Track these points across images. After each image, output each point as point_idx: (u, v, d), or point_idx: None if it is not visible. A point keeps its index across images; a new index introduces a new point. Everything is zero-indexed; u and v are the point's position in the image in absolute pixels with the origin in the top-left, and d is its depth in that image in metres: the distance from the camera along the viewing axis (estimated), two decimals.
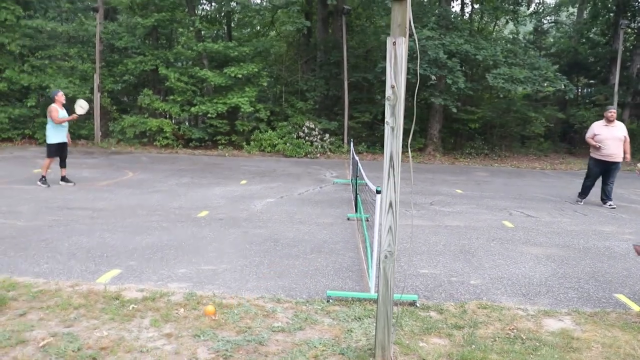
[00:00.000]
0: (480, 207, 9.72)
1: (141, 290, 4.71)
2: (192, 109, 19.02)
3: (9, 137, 19.26)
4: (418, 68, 3.75)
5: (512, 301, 4.80)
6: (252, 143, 19.15)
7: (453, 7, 21.93)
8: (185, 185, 11.27)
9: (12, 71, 19.34)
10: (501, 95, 22.34)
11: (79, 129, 19.74)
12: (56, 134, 10.48)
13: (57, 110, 10.35)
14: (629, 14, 23.73)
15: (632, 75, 23.04)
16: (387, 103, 3.25)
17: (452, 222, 8.29)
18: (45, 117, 10.60)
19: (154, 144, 19.19)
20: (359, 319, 4.23)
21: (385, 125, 3.29)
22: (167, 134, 19.14)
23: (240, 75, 18.69)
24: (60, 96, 10.53)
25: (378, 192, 4.32)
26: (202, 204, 9.16)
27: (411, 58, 16.42)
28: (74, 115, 10.56)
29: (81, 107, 10.63)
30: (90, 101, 17.77)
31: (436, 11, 19.47)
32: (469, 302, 4.67)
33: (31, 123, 19.54)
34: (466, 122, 20.76)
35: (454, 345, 3.77)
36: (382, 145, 3.35)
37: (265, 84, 19.71)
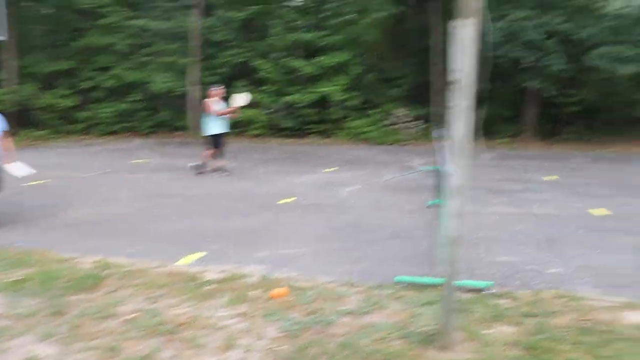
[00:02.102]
0: (574, 194, 9.26)
1: (221, 272, 4.96)
2: (284, 99, 19.40)
3: (115, 130, 20.56)
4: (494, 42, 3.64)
5: (595, 292, 4.59)
6: (342, 131, 19.27)
7: None
8: (273, 173, 11.59)
9: (119, 68, 20.61)
10: (605, 77, 20.91)
11: (176, 121, 20.71)
12: (212, 126, 11.04)
13: (210, 104, 10.96)
14: None
15: None
16: (452, 87, 3.23)
17: (541, 210, 7.98)
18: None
19: (246, 133, 19.76)
20: (430, 304, 4.22)
21: (451, 109, 3.27)
22: (259, 124, 19.64)
23: (331, 64, 18.85)
24: (216, 91, 11.12)
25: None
26: (289, 191, 9.40)
27: (507, 40, 15.93)
28: (233, 107, 11.07)
29: (241, 99, 11.10)
30: (186, 94, 18.60)
31: None
32: (545, 291, 4.52)
33: (135, 117, 20.74)
34: (565, 106, 19.66)
35: (524, 334, 3.69)
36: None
37: (356, 72, 19.74)
